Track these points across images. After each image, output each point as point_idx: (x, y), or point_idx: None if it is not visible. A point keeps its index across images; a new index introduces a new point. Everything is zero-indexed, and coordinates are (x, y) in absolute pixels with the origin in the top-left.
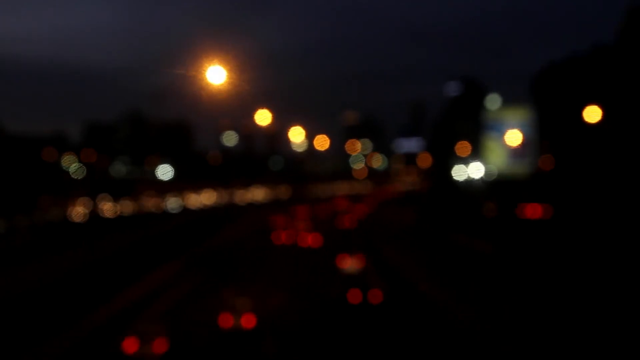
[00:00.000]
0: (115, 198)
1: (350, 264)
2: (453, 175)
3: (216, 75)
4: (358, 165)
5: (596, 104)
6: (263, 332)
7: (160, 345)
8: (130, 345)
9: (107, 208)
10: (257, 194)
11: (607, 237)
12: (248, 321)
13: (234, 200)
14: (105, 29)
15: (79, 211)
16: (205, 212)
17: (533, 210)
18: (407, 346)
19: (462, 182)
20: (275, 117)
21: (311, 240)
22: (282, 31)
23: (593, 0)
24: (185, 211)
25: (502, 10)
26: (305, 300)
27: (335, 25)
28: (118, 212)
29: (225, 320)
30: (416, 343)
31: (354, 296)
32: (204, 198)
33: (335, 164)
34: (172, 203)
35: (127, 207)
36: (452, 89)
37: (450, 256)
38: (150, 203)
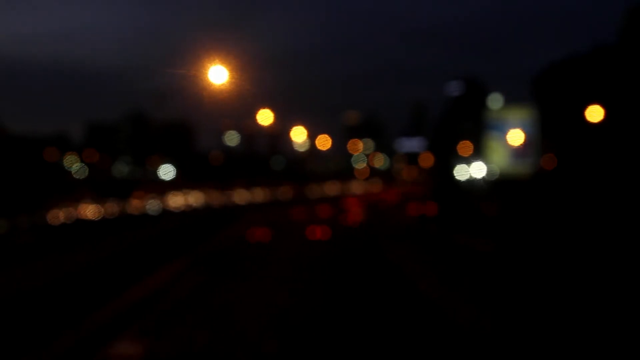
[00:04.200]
0: (120, 198)
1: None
2: (455, 175)
3: (218, 75)
4: (360, 165)
5: (598, 104)
6: None
7: None
8: None
9: (91, 210)
10: (258, 194)
11: (608, 236)
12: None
13: (233, 200)
14: (106, 29)
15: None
16: (196, 214)
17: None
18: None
19: (464, 181)
20: (277, 117)
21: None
22: (284, 31)
23: (593, 0)
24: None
25: (503, 10)
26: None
27: (337, 25)
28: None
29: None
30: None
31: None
32: (189, 199)
33: (337, 164)
34: (153, 205)
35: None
36: (454, 88)
37: (446, 248)
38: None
